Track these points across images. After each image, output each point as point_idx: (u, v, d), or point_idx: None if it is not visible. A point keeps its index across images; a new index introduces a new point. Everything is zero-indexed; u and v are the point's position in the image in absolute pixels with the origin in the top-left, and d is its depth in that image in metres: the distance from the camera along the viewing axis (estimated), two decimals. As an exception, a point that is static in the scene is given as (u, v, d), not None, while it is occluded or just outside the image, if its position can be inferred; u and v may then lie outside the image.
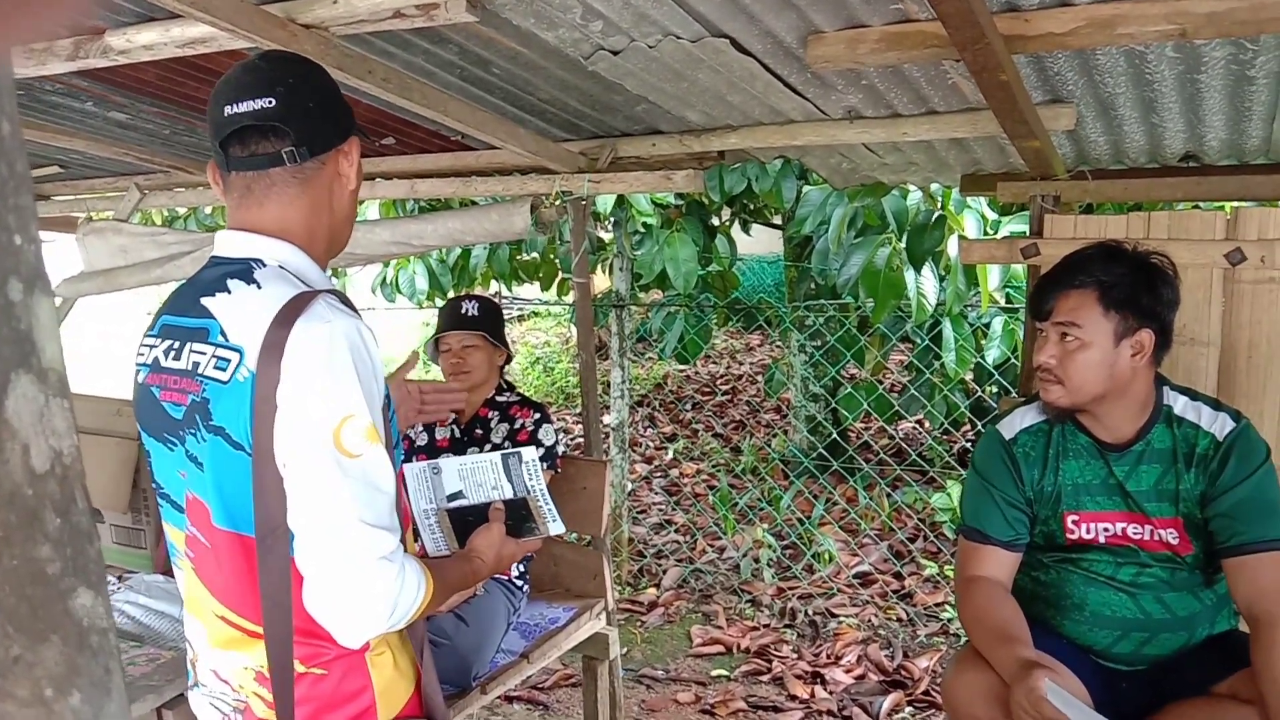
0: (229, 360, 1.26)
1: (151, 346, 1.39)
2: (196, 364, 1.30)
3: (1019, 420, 2.06)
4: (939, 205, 3.94)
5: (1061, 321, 1.89)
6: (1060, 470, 1.99)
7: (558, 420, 7.47)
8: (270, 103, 1.30)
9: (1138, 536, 1.95)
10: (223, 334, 1.28)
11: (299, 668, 1.32)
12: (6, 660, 0.34)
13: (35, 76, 2.09)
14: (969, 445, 5.19)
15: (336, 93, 1.40)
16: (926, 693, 3.48)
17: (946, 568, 4.39)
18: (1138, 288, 1.88)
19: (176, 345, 1.34)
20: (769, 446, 6.21)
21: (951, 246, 3.88)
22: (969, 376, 4.78)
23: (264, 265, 1.33)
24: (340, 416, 1.22)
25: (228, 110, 1.31)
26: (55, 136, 2.84)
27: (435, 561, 1.45)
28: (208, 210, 5.90)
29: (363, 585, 1.22)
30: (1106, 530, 1.97)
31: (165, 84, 2.36)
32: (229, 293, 1.30)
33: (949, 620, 4.03)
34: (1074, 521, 1.99)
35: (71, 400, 0.35)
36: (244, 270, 1.32)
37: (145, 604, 2.17)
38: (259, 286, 1.29)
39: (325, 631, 1.28)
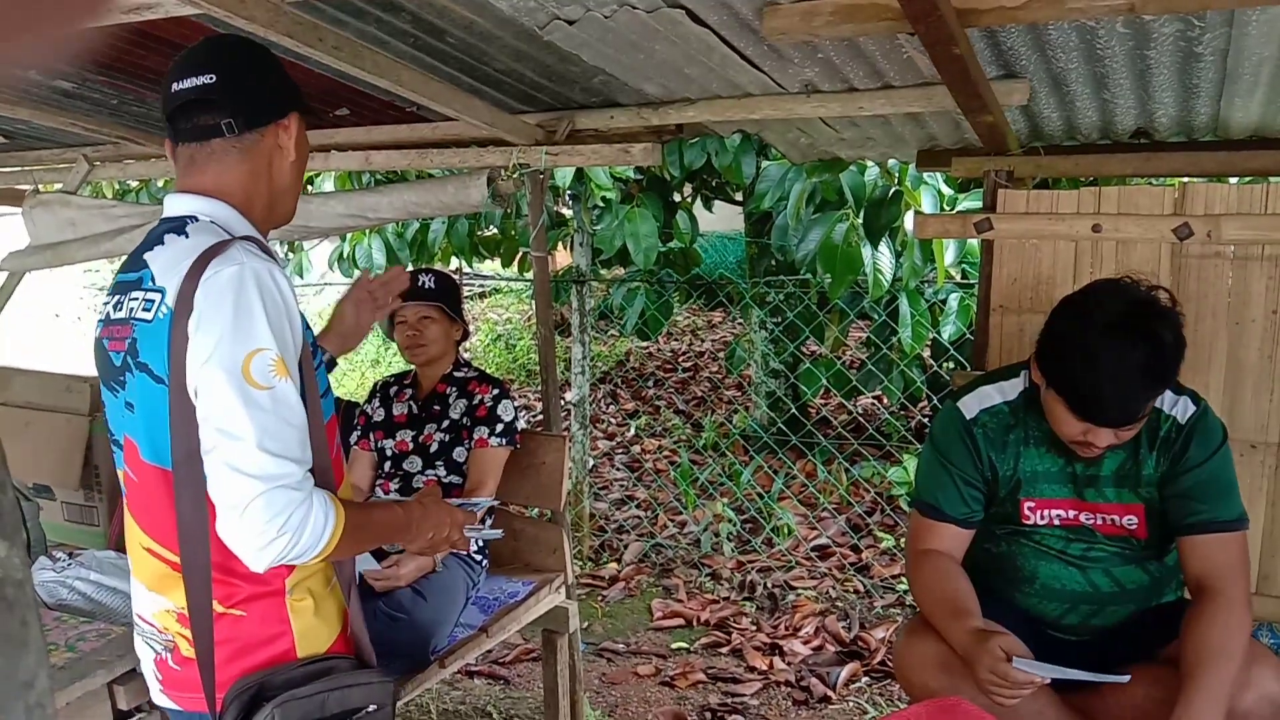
0: (153, 301, 1.36)
1: (106, 304, 1.50)
2: (131, 309, 1.40)
3: (980, 399, 2.05)
4: (896, 181, 3.97)
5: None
6: (1020, 457, 1.99)
7: (520, 397, 7.46)
8: (211, 79, 1.43)
9: (1091, 522, 1.97)
10: (152, 279, 1.38)
11: (218, 608, 1.39)
12: (-86, 611, 0.33)
13: (-27, 42, 2.03)
14: (926, 420, 5.25)
15: (279, 70, 1.52)
16: (882, 663, 3.54)
17: (903, 540, 4.44)
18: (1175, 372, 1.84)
19: (121, 298, 1.45)
20: (730, 422, 6.24)
21: (908, 222, 3.90)
22: (926, 352, 4.83)
23: (196, 220, 1.43)
24: (249, 350, 1.29)
25: (174, 87, 1.44)
26: (-3, 105, 2.76)
27: (357, 503, 1.50)
28: (160, 183, 5.78)
29: (265, 509, 1.26)
30: (1061, 515, 1.99)
31: (112, 53, 2.30)
32: (163, 245, 1.41)
33: (905, 592, 4.09)
34: (1030, 508, 2.00)
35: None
36: (179, 226, 1.43)
37: (96, 580, 2.14)
38: (187, 237, 1.40)
39: (239, 569, 1.34)
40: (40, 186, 3.87)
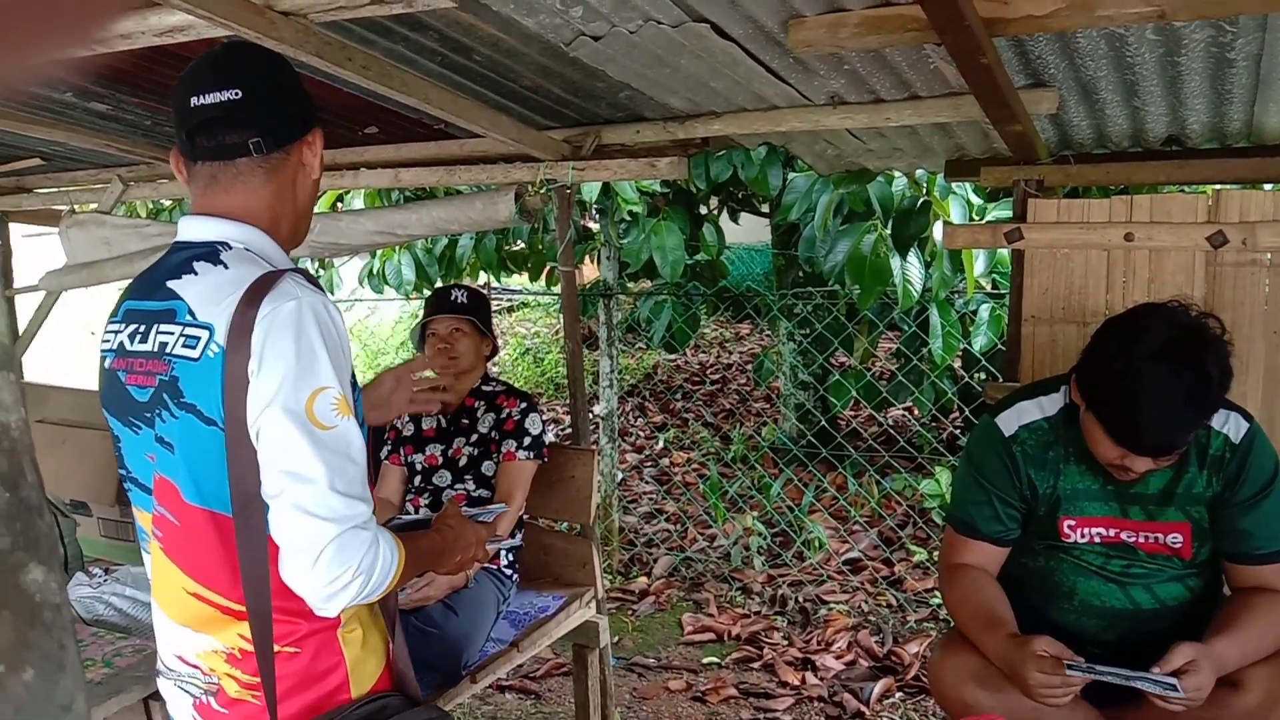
0: (198, 338, 1.28)
1: (116, 332, 1.41)
2: (164, 344, 1.32)
3: (1019, 415, 2.00)
4: (924, 191, 3.94)
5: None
6: (1060, 474, 1.95)
7: (549, 411, 7.47)
8: (236, 94, 1.33)
9: (1133, 540, 1.93)
10: (190, 313, 1.30)
11: (274, 646, 1.34)
12: (-45, 635, 0.34)
13: (12, 67, 2.07)
14: (958, 432, 5.20)
15: (300, 84, 1.44)
16: (917, 678, 3.50)
17: (935, 554, 4.40)
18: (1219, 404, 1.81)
19: (142, 328, 1.36)
20: (758, 435, 6.22)
21: (937, 232, 3.88)
22: (956, 363, 4.79)
23: (230, 248, 1.35)
24: (312, 389, 1.24)
25: (194, 101, 1.34)
26: (35, 127, 2.81)
27: (405, 534, 1.47)
28: (193, 203, 5.86)
29: (338, 552, 1.23)
30: (1102, 533, 1.95)
31: (144, 74, 2.34)
32: (195, 274, 1.33)
33: (938, 606, 4.04)
34: (1070, 526, 1.96)
35: (18, 373, 0.35)
36: (210, 253, 1.34)
37: (132, 595, 2.16)
38: (226, 267, 1.32)
39: (299, 608, 1.30)
40: (76, 207, 3.93)
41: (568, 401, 7.83)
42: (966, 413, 4.71)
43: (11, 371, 0.34)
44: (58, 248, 3.66)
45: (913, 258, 3.94)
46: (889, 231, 3.94)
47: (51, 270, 3.69)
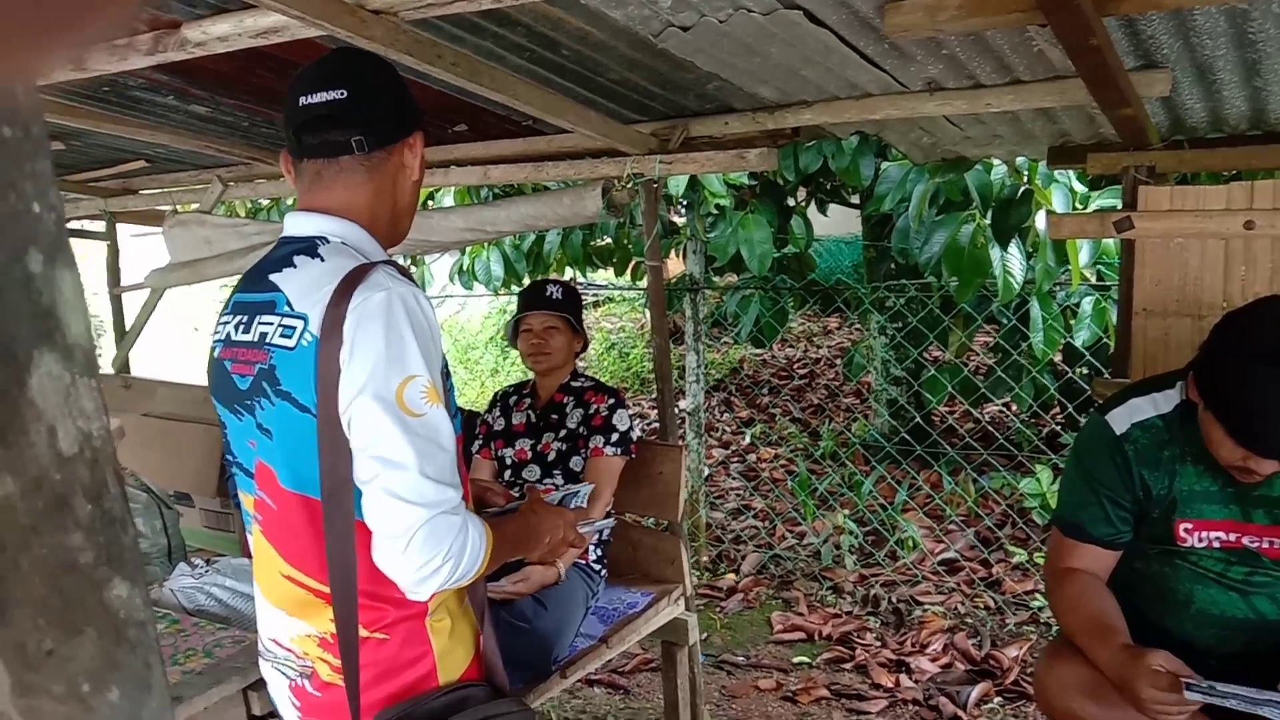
0: (294, 328, 1.33)
1: (225, 324, 1.48)
2: (264, 334, 1.37)
3: (1131, 413, 1.90)
4: (1025, 179, 3.80)
5: None
6: (1176, 475, 1.84)
7: (634, 406, 7.47)
8: (342, 94, 1.38)
9: (1257, 545, 1.81)
10: (288, 304, 1.35)
11: (362, 632, 1.37)
12: (39, 655, 0.32)
13: (118, 72, 2.13)
14: (1059, 429, 5.02)
15: (404, 88, 1.47)
16: (1016, 683, 3.38)
17: (1036, 555, 4.25)
18: None
19: (246, 319, 1.42)
20: (849, 431, 6.10)
21: (1039, 222, 3.73)
22: (1058, 358, 4.62)
23: (328, 242, 1.40)
24: (402, 377, 1.27)
25: (302, 100, 1.39)
26: (139, 130, 2.91)
27: (492, 519, 1.48)
28: (289, 201, 6.02)
29: (428, 537, 1.25)
30: (1221, 538, 1.83)
31: (241, 76, 2.39)
32: (294, 267, 1.38)
33: (1039, 609, 3.91)
34: (1186, 529, 1.85)
35: (99, 379, 0.33)
36: (309, 247, 1.39)
37: (232, 586, 2.21)
38: (322, 260, 1.37)
39: (388, 594, 1.33)
40: (178, 207, 4.08)
41: (653, 396, 7.84)
42: (1070, 409, 4.53)
43: (93, 377, 0.33)
44: (161, 247, 3.79)
45: (1013, 248, 3.80)
46: (988, 221, 3.81)
47: (155, 268, 3.82)
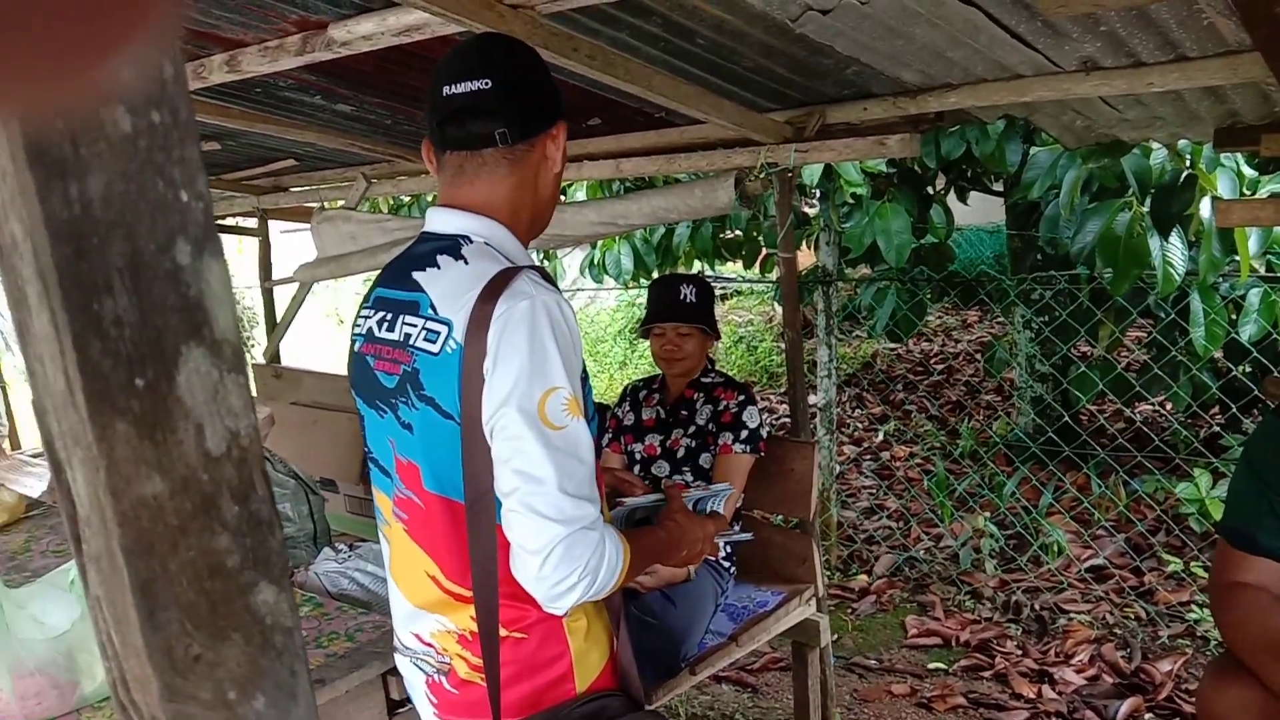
0: (438, 333, 1.31)
1: (366, 318, 1.47)
2: (408, 335, 1.36)
3: None
4: (1187, 163, 3.55)
5: None
6: None
7: (762, 400, 7.39)
8: (486, 84, 1.34)
9: None
10: (432, 307, 1.34)
11: (501, 631, 1.36)
12: (186, 660, 0.31)
13: (270, 73, 2.22)
14: (1220, 430, 4.69)
15: (548, 77, 1.43)
16: (1170, 699, 3.18)
17: (1193, 565, 3.98)
18: None
19: (389, 316, 1.41)
20: (990, 429, 5.87)
21: (1203, 209, 3.48)
22: (1219, 354, 4.31)
23: (471, 242, 1.38)
24: (544, 389, 1.25)
25: (446, 91, 1.36)
26: (289, 130, 3.03)
27: (630, 531, 1.46)
28: (429, 197, 6.20)
29: (566, 553, 1.24)
30: None
31: (385, 75, 2.45)
32: (438, 268, 1.36)
33: (1196, 621, 3.66)
34: None
35: (248, 376, 0.32)
36: (453, 246, 1.37)
37: (373, 571, 2.27)
38: (466, 262, 1.34)
39: (528, 594, 1.31)
40: (325, 203, 4.24)
41: (781, 391, 7.74)
42: (1233, 409, 4.23)
43: (242, 374, 0.31)
44: (309, 242, 3.95)
45: (1174, 238, 3.56)
46: (1146, 209, 3.57)
47: (304, 263, 3.99)
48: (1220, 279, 3.91)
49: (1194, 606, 3.76)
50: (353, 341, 1.51)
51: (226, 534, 0.32)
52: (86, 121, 0.27)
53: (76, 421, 0.29)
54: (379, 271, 1.53)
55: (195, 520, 0.31)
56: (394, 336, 1.39)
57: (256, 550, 0.32)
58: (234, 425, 0.31)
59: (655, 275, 5.74)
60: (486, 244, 1.38)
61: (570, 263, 7.42)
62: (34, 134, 0.27)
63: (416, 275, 1.38)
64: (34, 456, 5.79)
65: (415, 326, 1.35)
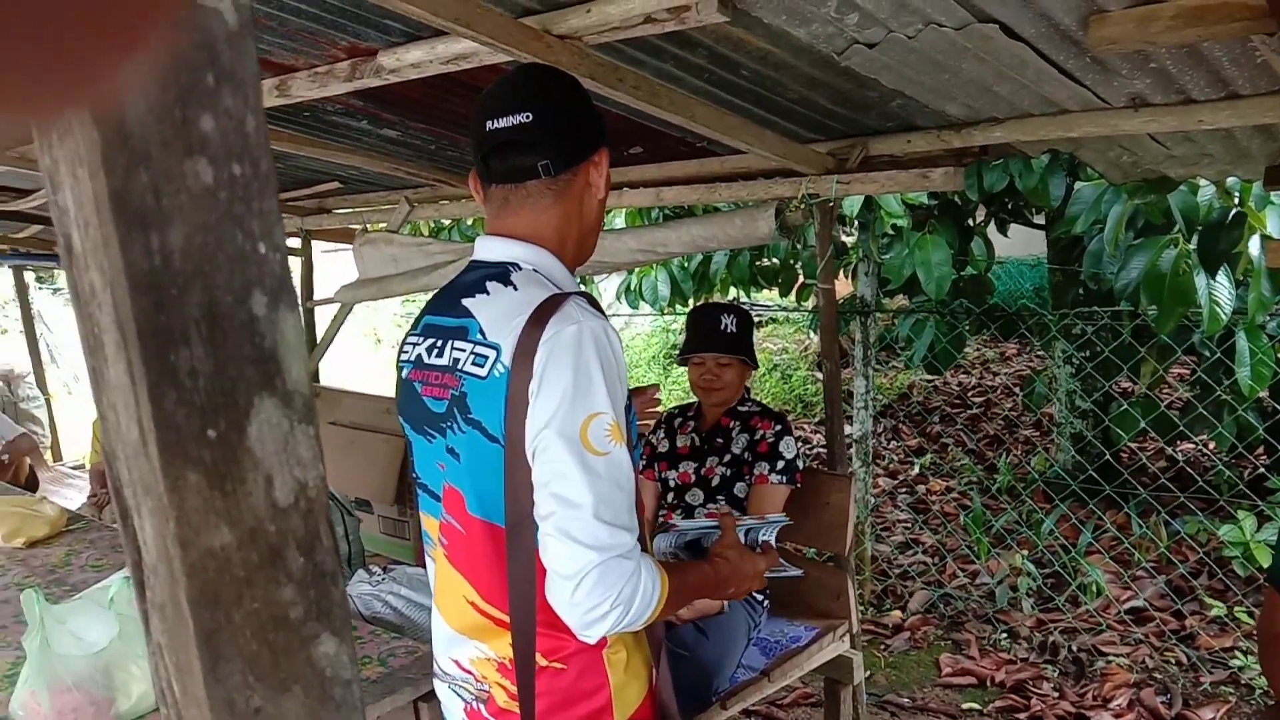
0: (486, 357, 1.32)
1: (414, 345, 1.48)
2: (457, 360, 1.37)
3: None
4: (1236, 201, 3.50)
5: None
6: None
7: (797, 429, 7.34)
8: (528, 118, 1.35)
9: None
10: (481, 332, 1.34)
11: (540, 660, 1.35)
12: (247, 712, 0.31)
13: (318, 98, 2.25)
14: (1265, 471, 4.58)
15: (589, 105, 1.44)
16: (1213, 748, 3.09)
17: (1237, 609, 3.89)
18: None
19: (438, 343, 1.42)
20: (1028, 465, 5.78)
21: (1252, 247, 3.42)
22: (1265, 394, 4.23)
23: (519, 269, 1.39)
24: (587, 414, 1.24)
25: (489, 125, 1.38)
26: (335, 153, 3.07)
27: (676, 564, 1.44)
28: (469, 221, 6.25)
29: (599, 580, 1.23)
30: None
31: (431, 101, 2.48)
32: (487, 294, 1.37)
33: (1240, 668, 3.56)
34: None
35: (317, 426, 0.32)
36: (501, 273, 1.38)
37: (407, 595, 2.27)
38: (515, 288, 1.35)
39: (567, 625, 1.29)
40: (368, 226, 4.28)
41: (816, 420, 7.68)
42: (1279, 451, 4.13)
43: (312, 425, 0.31)
44: (350, 263, 3.99)
45: (1221, 276, 3.50)
46: (1193, 246, 3.52)
47: (345, 284, 4.03)
48: (1269, 318, 3.84)
49: (1238, 653, 3.66)
50: (400, 368, 1.51)
51: (291, 585, 0.31)
52: (169, 172, 0.28)
53: (148, 471, 0.29)
54: (427, 298, 1.54)
55: (261, 571, 0.31)
56: (443, 362, 1.40)
57: (320, 602, 0.32)
58: (302, 476, 0.31)
59: (691, 302, 5.74)
60: (535, 270, 1.39)
61: (606, 288, 7.44)
62: (118, 185, 0.27)
63: (466, 301, 1.39)
64: (75, 469, 5.88)
65: (464, 351, 1.36)
